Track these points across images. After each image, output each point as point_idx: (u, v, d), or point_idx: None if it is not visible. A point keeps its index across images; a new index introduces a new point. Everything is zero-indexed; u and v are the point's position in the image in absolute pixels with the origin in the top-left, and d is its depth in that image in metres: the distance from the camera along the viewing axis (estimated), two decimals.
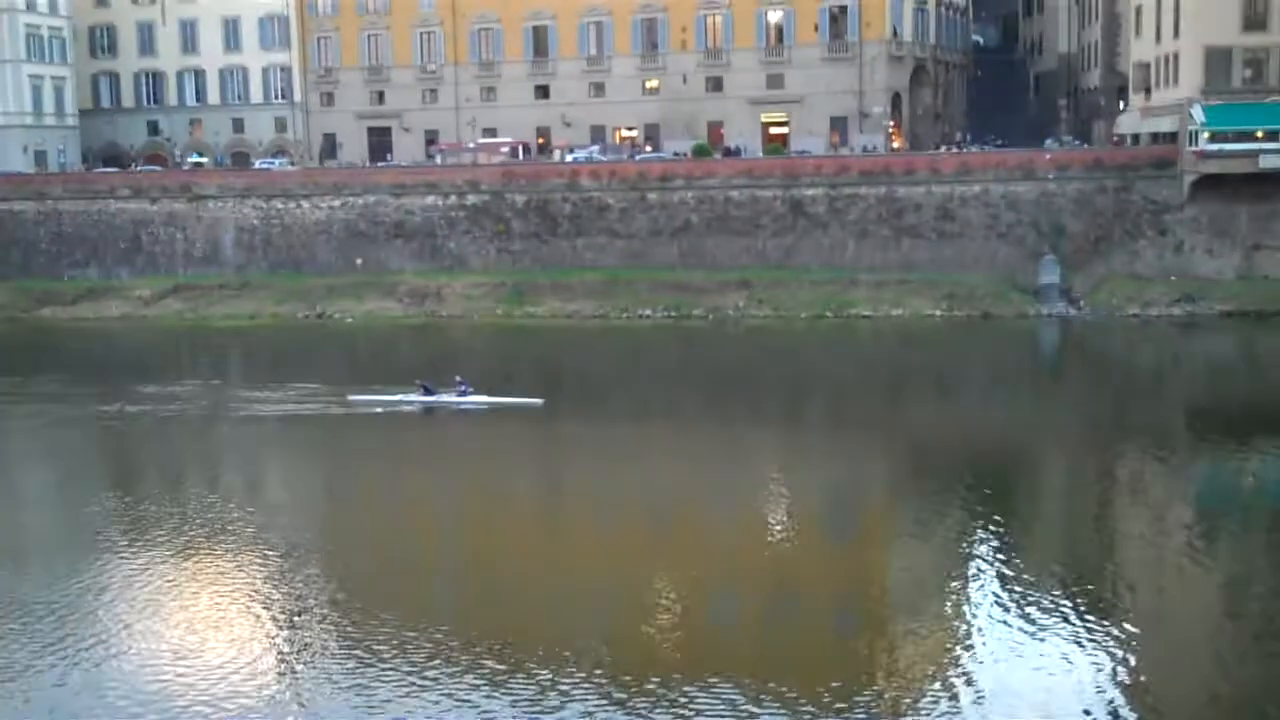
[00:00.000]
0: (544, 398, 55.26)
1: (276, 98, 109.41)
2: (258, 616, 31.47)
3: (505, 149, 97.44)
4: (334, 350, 77.05)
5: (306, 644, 29.60)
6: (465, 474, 46.84)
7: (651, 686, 26.81)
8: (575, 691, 26.68)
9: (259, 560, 35.89)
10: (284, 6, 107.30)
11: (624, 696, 26.47)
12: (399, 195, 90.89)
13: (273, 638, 30.18)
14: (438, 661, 28.27)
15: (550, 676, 27.33)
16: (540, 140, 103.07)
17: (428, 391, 55.33)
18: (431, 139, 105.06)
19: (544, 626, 30.43)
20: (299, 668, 28.34)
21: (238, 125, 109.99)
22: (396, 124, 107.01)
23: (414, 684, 27.25)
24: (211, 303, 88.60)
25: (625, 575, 34.26)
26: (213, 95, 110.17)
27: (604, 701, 26.30)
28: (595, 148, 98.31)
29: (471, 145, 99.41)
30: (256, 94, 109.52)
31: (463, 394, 54.88)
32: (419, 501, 43.07)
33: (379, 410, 54.34)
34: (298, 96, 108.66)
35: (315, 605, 32.10)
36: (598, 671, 27.55)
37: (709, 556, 36.49)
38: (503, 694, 26.73)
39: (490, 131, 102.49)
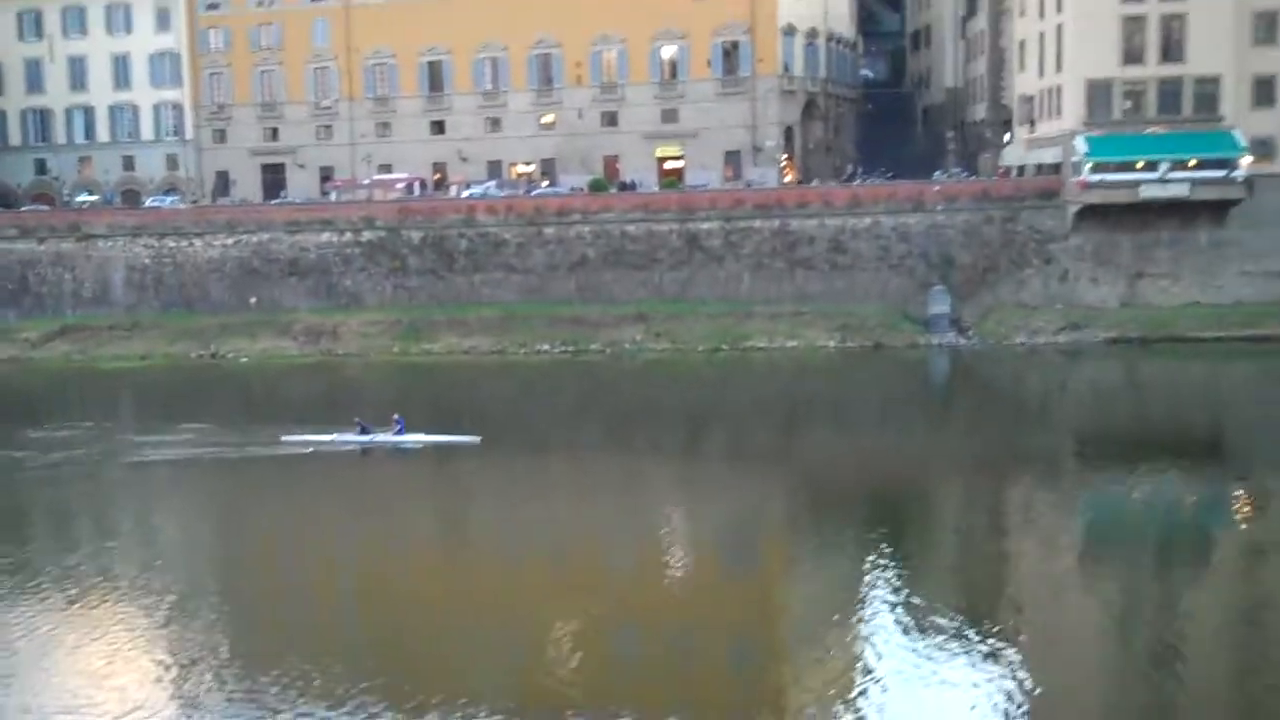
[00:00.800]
0: (481, 435, 54.50)
1: (168, 135, 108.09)
2: (145, 669, 30.92)
3: (401, 185, 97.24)
4: (228, 390, 76.19)
5: (196, 696, 29.18)
6: (367, 514, 46.32)
7: None
8: None
9: (147, 611, 35.27)
10: (175, 43, 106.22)
11: None
12: (293, 232, 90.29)
13: (162, 689, 29.73)
14: (335, 707, 28.04)
15: (453, 717, 27.25)
16: (437, 176, 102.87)
17: (364, 430, 54.84)
18: (326, 175, 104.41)
19: (445, 667, 30.39)
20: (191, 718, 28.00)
21: (128, 163, 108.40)
22: (291, 160, 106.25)
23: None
24: (101, 344, 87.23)
25: (527, 612, 34.21)
26: (102, 133, 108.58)
27: None
28: (492, 183, 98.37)
29: (367, 181, 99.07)
30: (147, 131, 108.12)
31: (399, 432, 54.50)
32: (317, 544, 42.70)
33: (310, 450, 53.50)
34: (189, 133, 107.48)
35: (207, 654, 31.67)
36: (498, 712, 27.47)
37: (610, 592, 36.63)
38: None
39: (386, 168, 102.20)
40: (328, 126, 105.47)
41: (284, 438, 54.81)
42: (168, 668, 30.94)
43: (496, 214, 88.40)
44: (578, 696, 28.56)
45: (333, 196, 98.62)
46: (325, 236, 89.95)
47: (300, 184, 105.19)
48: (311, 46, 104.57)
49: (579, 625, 33.25)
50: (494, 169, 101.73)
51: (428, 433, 54.80)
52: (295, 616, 34.74)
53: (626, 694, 28.57)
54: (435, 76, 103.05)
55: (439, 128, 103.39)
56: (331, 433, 55.26)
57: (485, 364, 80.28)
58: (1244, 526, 42.94)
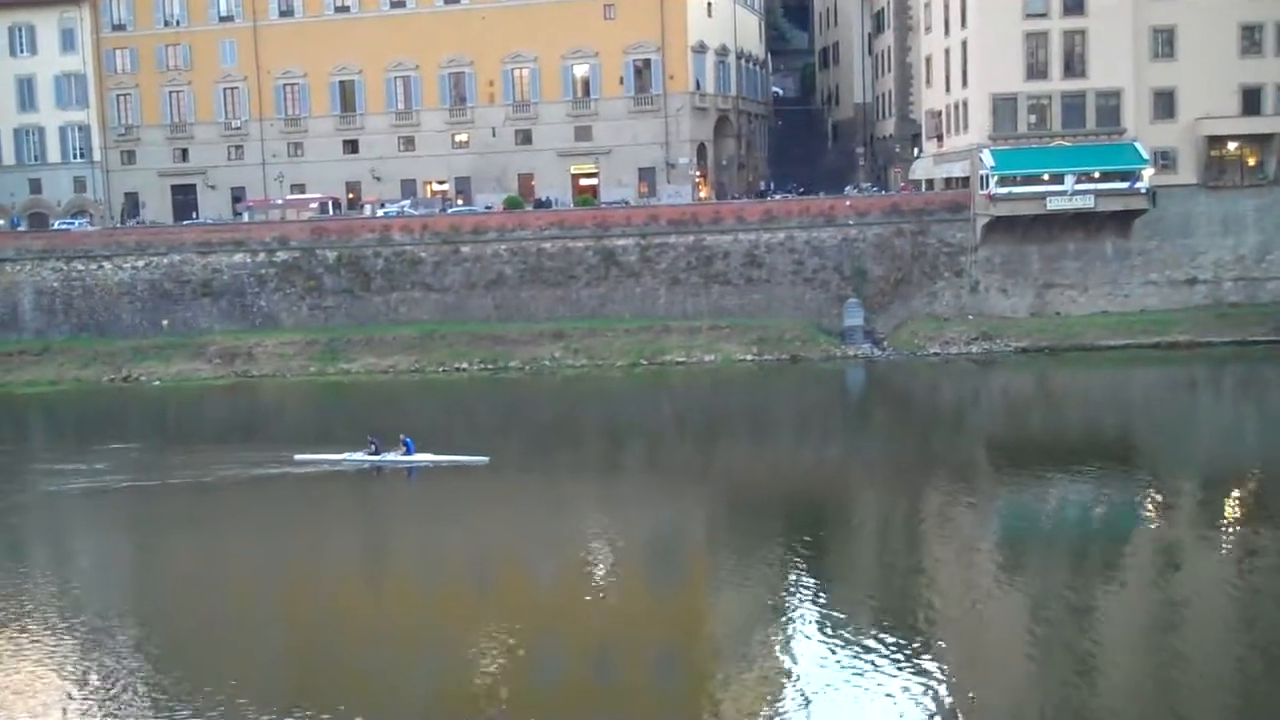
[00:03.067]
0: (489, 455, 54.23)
1: (75, 157, 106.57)
2: (58, 698, 30.51)
3: (314, 205, 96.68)
4: (143, 414, 75.23)
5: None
6: (290, 538, 46.18)
7: None
8: None
9: (69, 639, 34.86)
10: (80, 64, 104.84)
11: None
12: (205, 254, 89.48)
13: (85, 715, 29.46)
14: None
15: None
16: (350, 195, 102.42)
17: (376, 450, 54.51)
18: (238, 196, 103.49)
19: (367, 689, 30.29)
20: None
21: (35, 186, 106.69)
22: (201, 181, 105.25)
23: None
24: (10, 369, 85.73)
25: (451, 631, 34.32)
26: (8, 155, 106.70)
27: None
28: (406, 202, 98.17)
29: (279, 201, 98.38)
30: (54, 153, 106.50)
31: (408, 452, 54.20)
32: (238, 570, 42.43)
33: (326, 468, 53.53)
34: (97, 155, 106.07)
35: (121, 683, 31.23)
36: None
37: (533, 609, 36.78)
38: None
39: (299, 187, 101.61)
40: (239, 147, 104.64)
41: (297, 457, 54.57)
42: (84, 697, 30.50)
43: (412, 233, 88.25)
44: (498, 714, 28.49)
45: (245, 217, 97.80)
46: (238, 257, 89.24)
47: (211, 205, 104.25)
48: (220, 67, 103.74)
49: (503, 644, 33.22)
50: (408, 188, 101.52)
51: (436, 453, 54.62)
52: (214, 643, 34.45)
53: (551, 711, 28.64)
54: (347, 96, 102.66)
55: (352, 147, 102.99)
56: (343, 452, 55.12)
57: (404, 383, 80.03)
58: (1154, 527, 43.97)
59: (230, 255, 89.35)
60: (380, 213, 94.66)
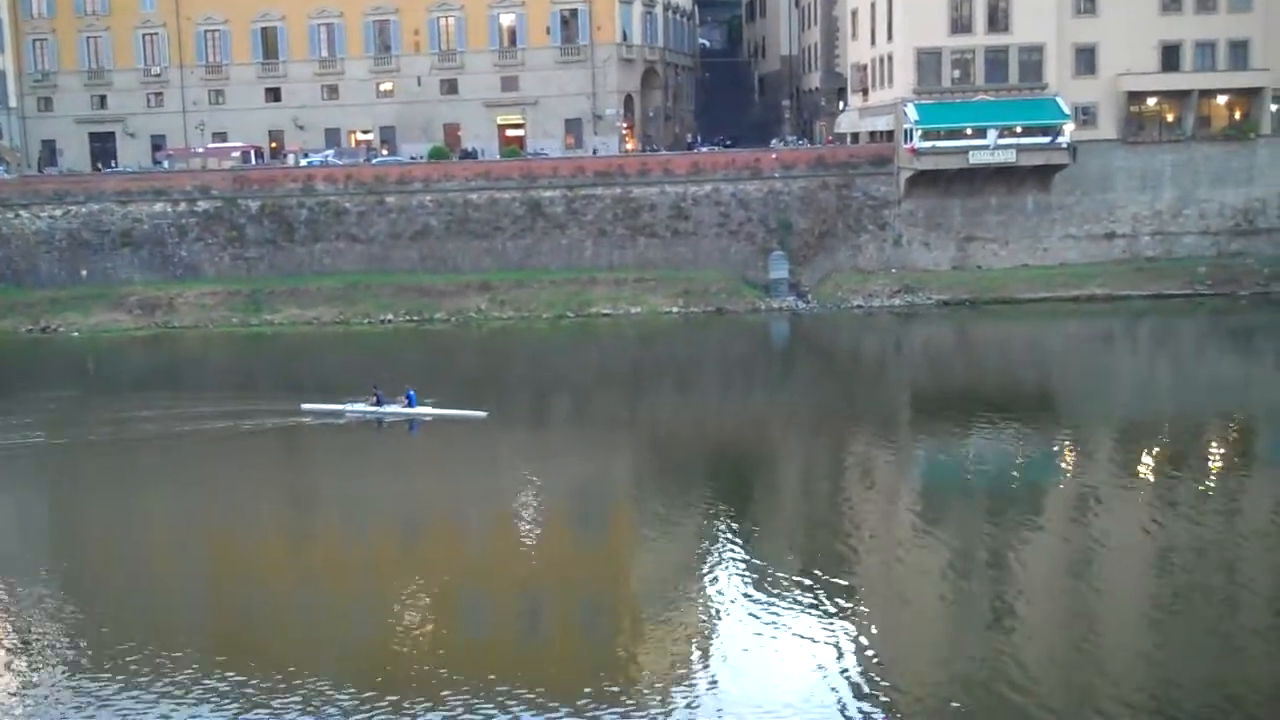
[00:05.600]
0: (488, 410, 53.59)
1: None
2: None
3: (236, 154, 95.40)
4: (61, 365, 74.15)
5: (27, 685, 28.65)
6: (210, 493, 45.82)
7: (398, 696, 26.88)
8: (327, 707, 26.68)
9: None
10: None
11: (375, 707, 26.54)
12: (125, 203, 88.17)
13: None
14: (176, 687, 27.78)
15: (301, 693, 27.26)
16: (273, 144, 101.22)
17: (380, 401, 53.94)
18: (158, 144, 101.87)
19: (292, 643, 30.44)
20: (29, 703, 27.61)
21: None
22: (120, 129, 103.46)
23: (153, 710, 26.84)
24: None
25: (376, 585, 34.35)
26: None
27: (360, 712, 26.43)
28: (330, 151, 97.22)
29: (200, 150, 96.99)
30: None
31: (410, 404, 53.67)
32: (162, 527, 42.19)
33: (337, 421, 52.90)
34: (13, 102, 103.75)
35: (41, 642, 31.03)
36: (342, 685, 27.49)
37: (459, 561, 36.97)
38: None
39: (220, 136, 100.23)
40: (159, 94, 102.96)
41: (303, 406, 53.91)
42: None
43: (336, 183, 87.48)
44: (425, 666, 28.66)
45: (165, 166, 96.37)
46: (159, 207, 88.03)
47: (131, 153, 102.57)
48: (139, 12, 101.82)
49: (428, 596, 33.40)
50: (332, 137, 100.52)
51: (436, 406, 54.11)
52: (137, 600, 34.25)
53: (474, 663, 28.73)
54: (269, 43, 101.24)
55: (274, 95, 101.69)
56: (347, 402, 54.54)
57: (329, 334, 79.56)
58: (1072, 477, 44.91)
59: (150, 205, 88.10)
60: (304, 162, 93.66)
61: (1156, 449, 48.22)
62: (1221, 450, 47.96)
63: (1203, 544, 35.75)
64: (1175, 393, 59.78)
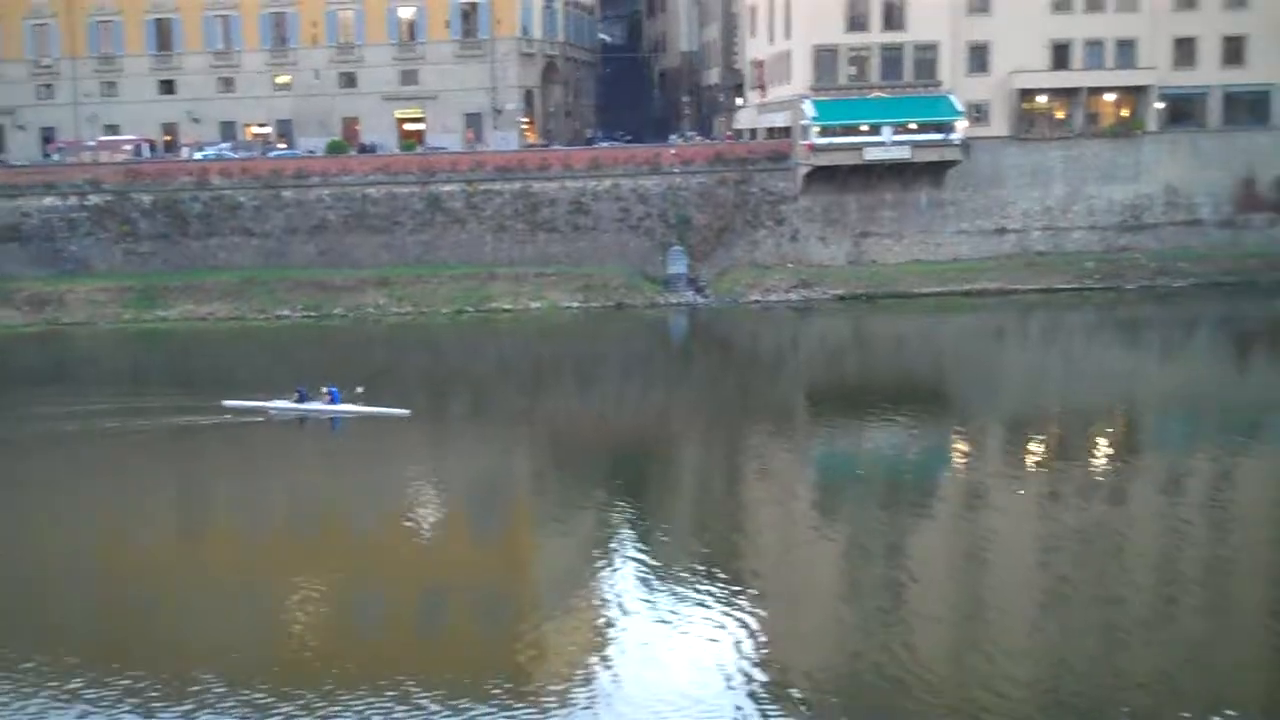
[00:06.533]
0: (410, 408, 52.55)
1: None
2: None
3: (129, 147, 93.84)
4: None
5: None
6: (114, 493, 45.02)
7: (292, 697, 26.72)
8: (221, 705, 26.51)
9: None
10: None
11: (270, 707, 26.35)
12: (13, 197, 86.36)
13: None
14: (65, 693, 27.32)
15: (194, 697, 26.98)
16: (167, 138, 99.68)
17: (303, 398, 52.94)
18: (49, 137, 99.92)
19: (191, 645, 30.04)
20: None
21: None
22: (9, 121, 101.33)
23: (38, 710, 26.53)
24: None
25: (271, 582, 34.08)
26: None
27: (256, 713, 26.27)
28: (225, 145, 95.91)
29: (92, 143, 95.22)
30: None
31: (333, 402, 52.74)
32: (48, 527, 41.46)
33: (258, 419, 51.59)
34: None
35: None
36: (236, 683, 27.30)
37: (357, 557, 36.76)
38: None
39: (113, 128, 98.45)
40: (49, 86, 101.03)
41: (225, 403, 52.61)
42: None
43: (231, 176, 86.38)
44: (321, 665, 28.51)
45: (55, 158, 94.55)
46: (48, 200, 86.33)
47: (20, 146, 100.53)
48: (29, 2, 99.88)
49: (325, 595, 33.18)
50: (227, 130, 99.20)
51: (360, 404, 52.98)
52: (24, 604, 33.65)
53: (371, 661, 28.59)
54: (164, 35, 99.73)
55: (168, 87, 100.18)
56: (271, 399, 53.36)
57: (224, 330, 78.59)
58: (963, 468, 45.83)
59: (39, 198, 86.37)
60: (198, 155, 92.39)
61: (1045, 440, 49.34)
62: (1108, 440, 49.26)
63: (1089, 532, 36.68)
64: (1064, 384, 61.07)
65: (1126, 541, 36.44)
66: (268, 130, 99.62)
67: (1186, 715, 24.92)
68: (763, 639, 29.36)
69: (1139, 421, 53.25)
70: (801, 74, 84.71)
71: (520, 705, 26.26)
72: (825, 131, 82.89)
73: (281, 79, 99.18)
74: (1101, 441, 49.06)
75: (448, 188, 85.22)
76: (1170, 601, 31.66)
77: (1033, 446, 48.58)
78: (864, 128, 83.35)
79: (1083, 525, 37.42)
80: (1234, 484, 42.95)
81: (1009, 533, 37.16)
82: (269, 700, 26.56)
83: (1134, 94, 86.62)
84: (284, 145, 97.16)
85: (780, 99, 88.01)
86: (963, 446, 48.88)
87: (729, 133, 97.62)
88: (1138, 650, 28.60)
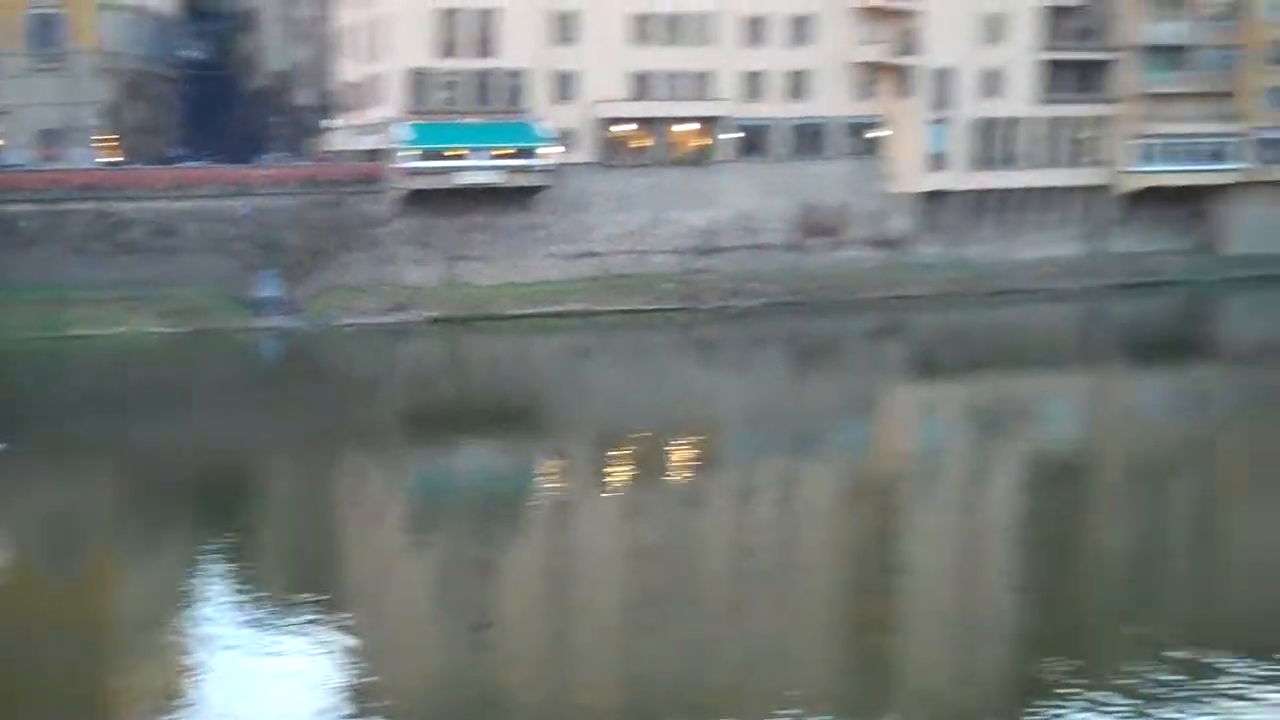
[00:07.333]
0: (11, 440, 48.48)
1: None
2: None
3: None
4: None
5: None
6: None
7: None
8: None
9: None
10: None
11: None
12: None
13: None
14: None
15: None
16: None
17: None
18: None
19: None
20: None
21: None
22: None
23: None
24: None
25: None
26: None
27: None
28: None
29: None
30: None
31: None
32: None
33: None
34: None
35: None
36: None
37: None
38: None
39: None
40: None
41: None
42: None
43: None
44: None
45: None
46: None
47: None
48: None
49: None
50: None
51: None
52: None
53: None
54: None
55: None
56: None
57: None
58: (552, 488, 47.93)
59: None
60: None
61: (627, 458, 52.02)
62: (686, 454, 52.46)
63: (669, 545, 39.20)
64: (645, 401, 64.23)
65: (703, 553, 39.17)
66: None
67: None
68: (361, 663, 29.70)
69: (713, 435, 56.78)
70: (394, 97, 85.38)
71: None
72: (418, 155, 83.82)
73: None
74: (679, 456, 52.24)
75: (21, 207, 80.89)
76: (744, 604, 34.06)
77: (617, 464, 51.19)
78: (456, 152, 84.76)
79: (663, 537, 39.94)
80: (799, 488, 46.93)
81: (597, 546, 39.35)
82: None
83: (710, 124, 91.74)
84: None
85: (373, 122, 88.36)
86: (551, 465, 50.99)
87: (322, 154, 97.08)
88: (718, 662, 29.94)
